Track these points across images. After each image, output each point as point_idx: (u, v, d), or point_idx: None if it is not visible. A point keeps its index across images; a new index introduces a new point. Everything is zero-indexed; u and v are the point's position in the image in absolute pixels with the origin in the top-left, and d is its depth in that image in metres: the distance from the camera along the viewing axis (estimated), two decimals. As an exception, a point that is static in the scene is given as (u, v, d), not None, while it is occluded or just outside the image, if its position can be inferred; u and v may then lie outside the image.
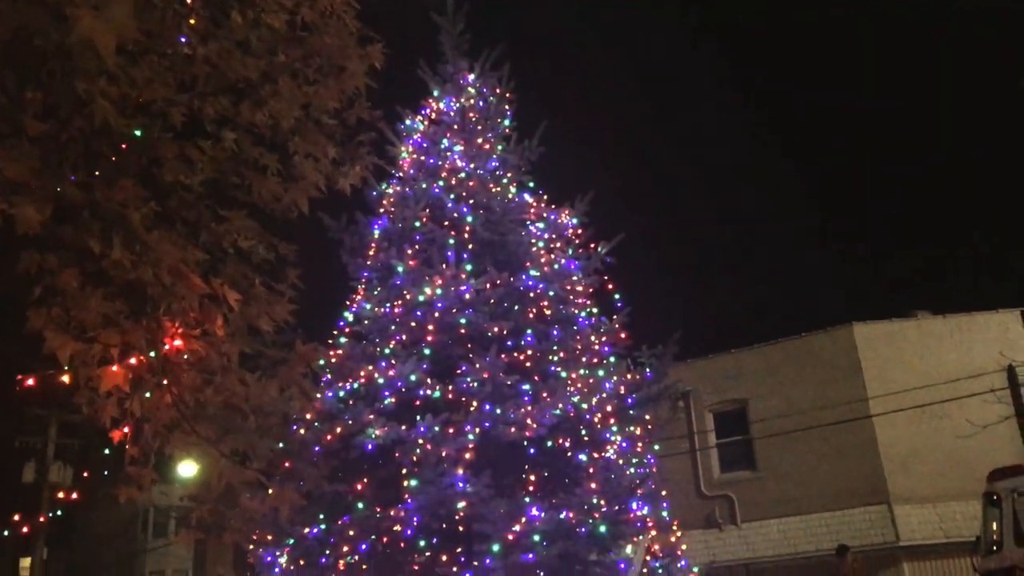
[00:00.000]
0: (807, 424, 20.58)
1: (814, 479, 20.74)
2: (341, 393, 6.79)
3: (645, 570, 6.96)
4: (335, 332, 7.37)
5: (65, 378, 3.38)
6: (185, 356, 3.54)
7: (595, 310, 8.09)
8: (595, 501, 6.29)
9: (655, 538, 6.80)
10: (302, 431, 6.85)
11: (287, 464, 4.59)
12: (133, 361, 3.41)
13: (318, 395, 6.59)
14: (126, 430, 3.65)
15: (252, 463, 3.97)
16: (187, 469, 16.35)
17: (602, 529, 6.12)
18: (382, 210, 8.68)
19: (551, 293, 7.52)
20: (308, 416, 6.73)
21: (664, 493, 7.29)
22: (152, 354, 3.42)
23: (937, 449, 19.58)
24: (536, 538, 5.84)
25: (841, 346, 21.44)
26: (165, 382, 3.51)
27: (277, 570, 6.24)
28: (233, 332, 3.77)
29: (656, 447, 7.44)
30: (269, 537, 6.31)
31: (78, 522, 30.75)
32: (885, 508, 20.12)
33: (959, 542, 17.52)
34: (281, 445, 4.60)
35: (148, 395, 3.54)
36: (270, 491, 3.97)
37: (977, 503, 14.97)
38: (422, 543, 6.16)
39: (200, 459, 4.06)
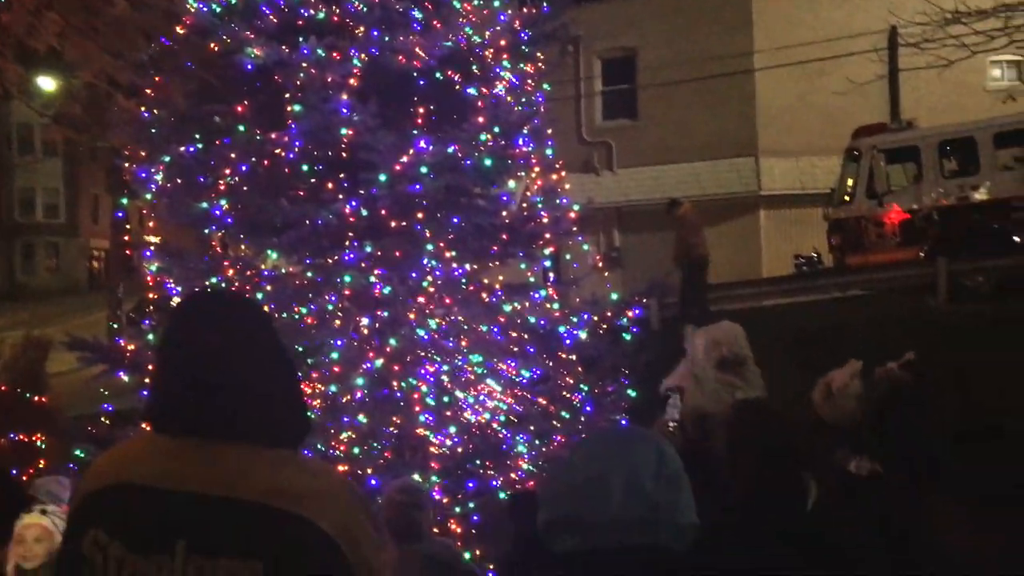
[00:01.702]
0: (692, 76, 20.78)
1: (691, 130, 21.38)
2: (216, 7, 6.24)
3: (525, 204, 7.12)
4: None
5: None
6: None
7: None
8: (482, 136, 6.21)
9: (538, 175, 6.89)
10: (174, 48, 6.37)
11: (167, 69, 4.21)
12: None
13: (190, 6, 6.03)
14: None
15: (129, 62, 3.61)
16: (47, 83, 15.36)
17: (488, 163, 6.12)
18: None
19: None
20: (180, 30, 6.23)
21: (549, 132, 7.27)
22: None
23: (812, 106, 20.29)
24: (423, 170, 5.80)
25: (738, -3, 21.16)
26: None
27: (153, 186, 6.07)
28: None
29: (547, 86, 7.30)
30: (143, 153, 6.08)
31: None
32: (752, 160, 21.17)
33: (814, 194, 18.76)
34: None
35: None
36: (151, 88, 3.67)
37: (839, 159, 15.87)
38: (305, 168, 6.04)
39: (70, 55, 3.66)
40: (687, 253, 12.87)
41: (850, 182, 15.05)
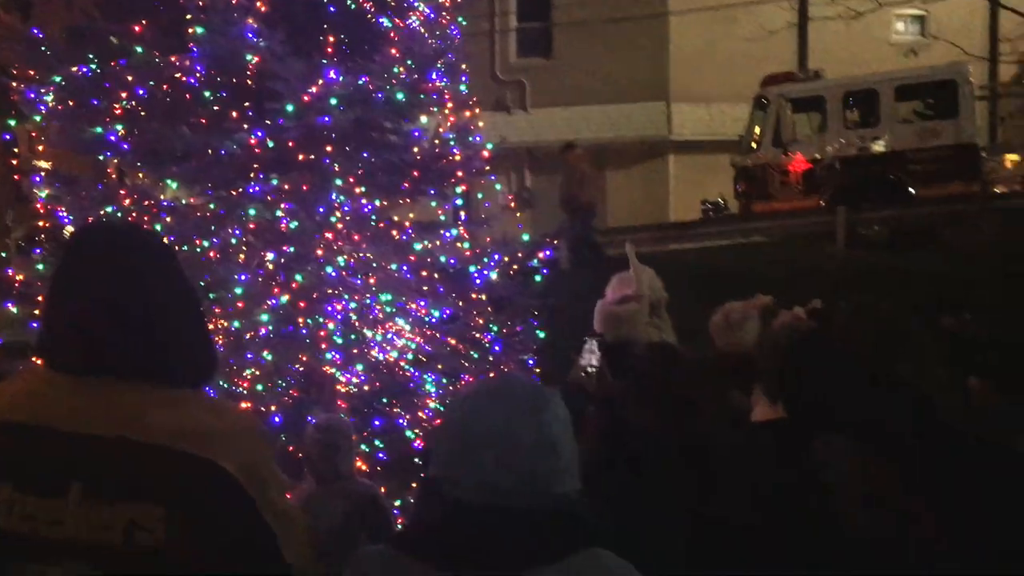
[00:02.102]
0: (607, 16, 20.71)
1: (604, 72, 21.38)
2: (111, -82, 5.86)
3: (437, 141, 6.99)
4: None
5: None
6: None
7: None
8: (395, 68, 6.04)
9: (451, 111, 6.76)
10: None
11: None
12: None
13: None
14: None
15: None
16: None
17: (400, 96, 5.96)
18: None
19: None
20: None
21: (464, 68, 7.12)
22: None
23: (723, 52, 20.49)
24: (332, 101, 5.61)
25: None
26: None
27: (43, 108, 5.73)
28: None
29: (462, 20, 7.14)
30: (31, 72, 5.71)
31: None
32: (663, 105, 21.35)
33: (723, 140, 19.07)
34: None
35: None
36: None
37: (748, 106, 16.11)
38: (208, 95, 5.78)
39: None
40: (569, 201, 12.99)
41: (757, 130, 15.33)
